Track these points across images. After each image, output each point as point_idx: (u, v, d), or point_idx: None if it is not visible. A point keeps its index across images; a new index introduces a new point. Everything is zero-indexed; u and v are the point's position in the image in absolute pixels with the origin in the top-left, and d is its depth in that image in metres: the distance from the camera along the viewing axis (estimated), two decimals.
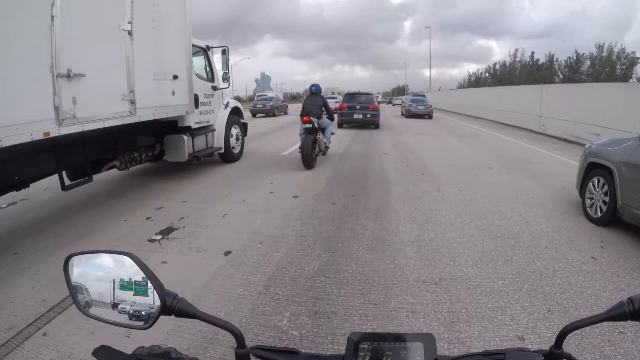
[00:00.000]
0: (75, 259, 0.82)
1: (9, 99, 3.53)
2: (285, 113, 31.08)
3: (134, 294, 0.78)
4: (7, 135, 3.46)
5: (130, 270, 0.78)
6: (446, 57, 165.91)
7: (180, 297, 0.78)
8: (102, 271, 0.81)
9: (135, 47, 5.31)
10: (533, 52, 58.37)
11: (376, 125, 18.68)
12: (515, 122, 20.72)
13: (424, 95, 34.29)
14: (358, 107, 18.44)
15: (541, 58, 56.83)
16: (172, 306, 0.77)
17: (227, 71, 8.82)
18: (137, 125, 5.72)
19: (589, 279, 3.54)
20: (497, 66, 64.16)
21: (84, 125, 4.46)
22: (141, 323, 0.78)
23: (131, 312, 0.78)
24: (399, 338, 0.78)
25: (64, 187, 4.95)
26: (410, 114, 26.93)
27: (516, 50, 66.08)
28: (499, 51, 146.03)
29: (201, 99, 7.77)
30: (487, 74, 65.74)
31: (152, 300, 0.77)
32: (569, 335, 0.77)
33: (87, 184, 5.30)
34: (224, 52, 8.70)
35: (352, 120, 18.51)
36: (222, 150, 8.69)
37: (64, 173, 5.01)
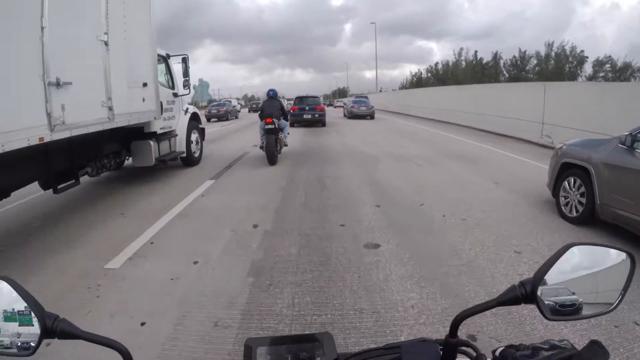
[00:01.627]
0: None
1: (6, 107, 3.83)
2: (237, 117, 34.82)
3: (19, 325, 0.76)
4: (7, 141, 3.77)
5: (9, 297, 0.76)
6: (386, 59, 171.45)
7: (61, 318, 0.77)
8: None
9: (111, 56, 5.75)
10: (476, 51, 61.12)
11: (323, 124, 21.62)
12: (505, 130, 17.00)
13: (366, 97, 36.03)
14: (307, 108, 21.56)
15: (485, 57, 59.24)
16: (53, 328, 0.75)
17: (187, 78, 9.42)
18: (109, 132, 6.07)
19: None
20: (440, 66, 66.42)
21: (72, 130, 4.86)
22: (24, 352, 0.76)
23: (19, 344, 0.76)
24: (296, 339, 0.80)
25: (55, 191, 5.39)
26: (352, 115, 28.74)
27: (461, 49, 69.04)
28: (438, 52, 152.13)
29: (164, 106, 8.29)
30: (429, 74, 67.93)
31: (38, 329, 0.75)
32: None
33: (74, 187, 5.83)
34: (184, 60, 9.32)
35: (303, 120, 21.36)
36: (184, 155, 9.37)
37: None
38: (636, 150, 4.68)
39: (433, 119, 26.17)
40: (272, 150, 9.67)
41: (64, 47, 4.62)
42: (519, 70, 53.62)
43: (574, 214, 5.58)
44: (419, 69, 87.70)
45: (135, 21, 6.67)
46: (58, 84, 4.44)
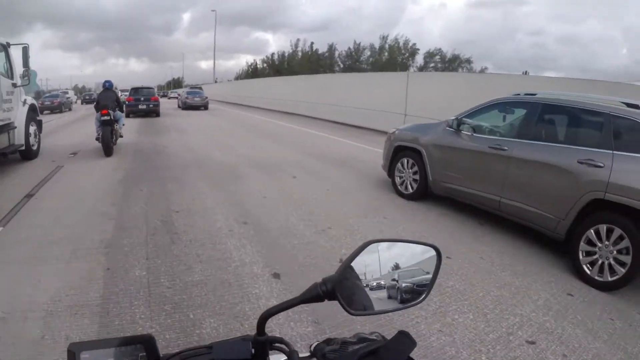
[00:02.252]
0: None
1: None
2: (70, 109, 33.14)
3: None
4: None
5: None
6: (223, 50, 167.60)
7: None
8: None
9: None
10: (312, 43, 63.44)
11: (157, 114, 22.74)
12: (365, 122, 16.27)
13: (200, 88, 36.45)
14: (142, 99, 22.57)
15: (320, 49, 62.14)
16: None
17: (27, 68, 9.28)
18: None
19: None
20: (276, 56, 67.76)
21: None
22: None
23: None
24: (120, 342, 0.78)
25: None
26: (186, 106, 29.07)
27: (297, 40, 70.95)
28: (274, 43, 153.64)
29: (4, 97, 8.12)
30: (264, 64, 68.78)
31: None
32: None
33: None
34: (24, 49, 9.17)
35: (138, 110, 22.22)
36: (23, 148, 9.11)
37: None
38: (462, 132, 5.52)
39: (279, 111, 25.68)
40: (108, 141, 9.91)
41: None
42: (354, 61, 57.72)
43: (409, 190, 6.37)
44: (254, 59, 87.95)
45: None
46: None
